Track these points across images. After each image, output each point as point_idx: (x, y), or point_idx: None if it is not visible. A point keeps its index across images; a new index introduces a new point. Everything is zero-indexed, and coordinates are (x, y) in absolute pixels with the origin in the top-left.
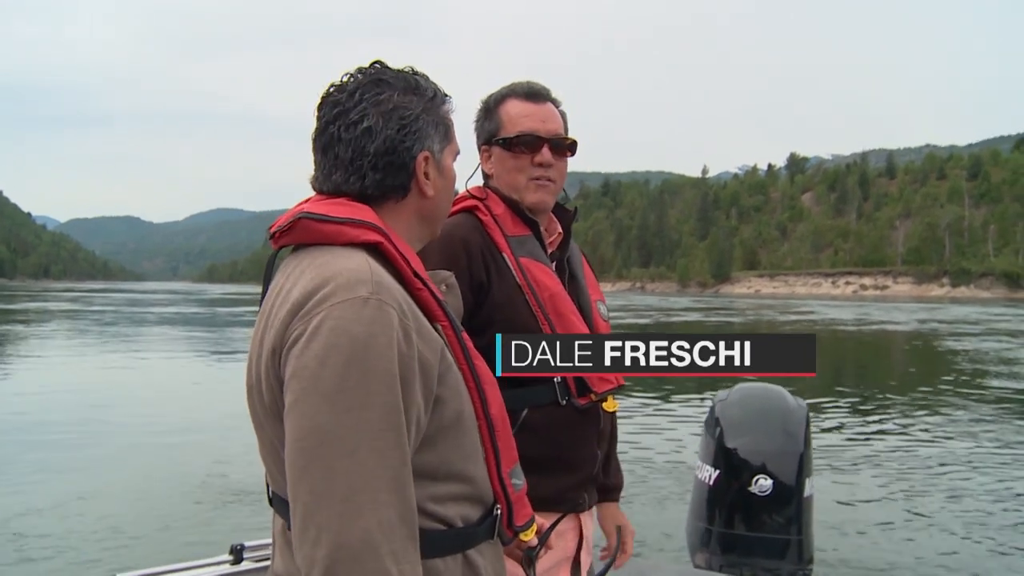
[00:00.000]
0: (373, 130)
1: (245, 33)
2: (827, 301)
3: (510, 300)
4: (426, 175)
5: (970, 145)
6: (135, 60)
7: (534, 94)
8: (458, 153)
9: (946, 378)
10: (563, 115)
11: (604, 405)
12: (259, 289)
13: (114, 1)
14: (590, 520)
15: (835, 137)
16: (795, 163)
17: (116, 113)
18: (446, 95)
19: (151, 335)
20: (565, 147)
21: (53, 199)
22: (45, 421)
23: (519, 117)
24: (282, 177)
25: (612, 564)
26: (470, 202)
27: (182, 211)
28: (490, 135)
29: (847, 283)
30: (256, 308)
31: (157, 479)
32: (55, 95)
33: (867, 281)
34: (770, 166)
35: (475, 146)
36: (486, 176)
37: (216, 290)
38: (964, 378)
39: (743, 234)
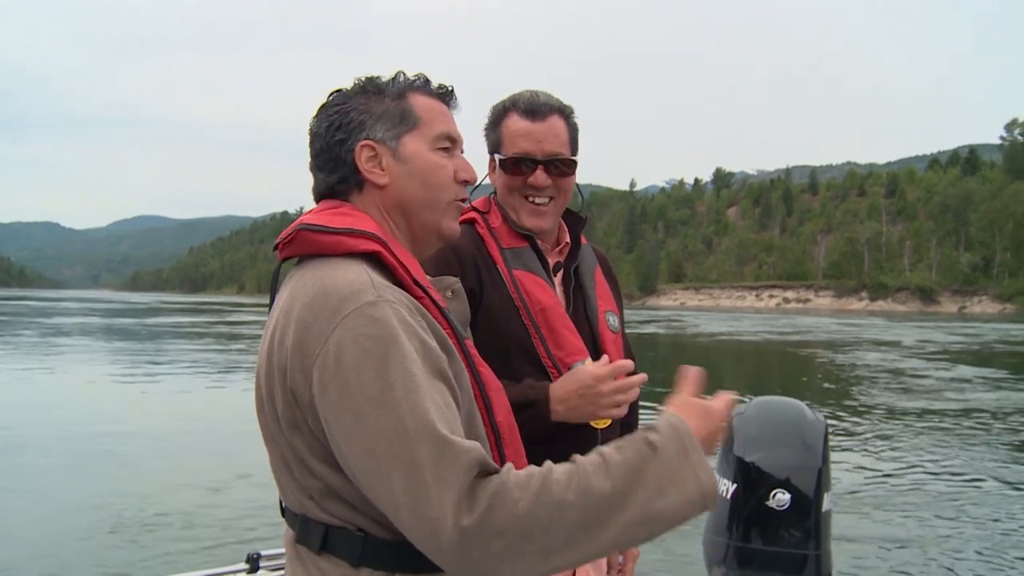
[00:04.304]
0: (313, 133)
1: (172, 37)
2: (750, 314)
3: (502, 311)
4: (375, 165)
5: (888, 163)
6: (52, 60)
7: (533, 111)
8: (443, 136)
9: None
10: (573, 126)
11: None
12: (186, 298)
13: None
14: None
15: (760, 153)
16: (721, 178)
17: (32, 115)
18: (411, 82)
19: (143, 348)
20: (563, 167)
21: None
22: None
23: (516, 136)
24: (208, 184)
25: None
26: (470, 214)
27: (105, 217)
28: (493, 149)
29: (770, 296)
30: (196, 320)
31: (173, 486)
32: None
33: (790, 294)
34: (696, 180)
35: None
36: None
37: (145, 299)
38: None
39: (669, 247)
